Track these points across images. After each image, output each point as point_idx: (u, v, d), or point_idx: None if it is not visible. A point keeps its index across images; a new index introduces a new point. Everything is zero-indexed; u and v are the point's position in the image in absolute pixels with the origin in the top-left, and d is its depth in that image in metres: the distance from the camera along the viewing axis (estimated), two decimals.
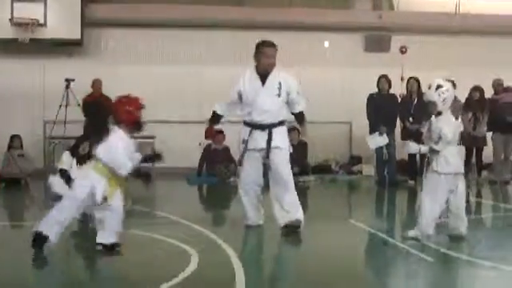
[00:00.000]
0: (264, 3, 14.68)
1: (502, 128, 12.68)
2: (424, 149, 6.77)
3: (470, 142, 12.74)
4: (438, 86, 6.57)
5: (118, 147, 6.09)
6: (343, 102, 14.59)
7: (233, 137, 13.40)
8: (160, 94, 14.27)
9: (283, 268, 6.09)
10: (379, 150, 12.36)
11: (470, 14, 15.10)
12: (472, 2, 15.29)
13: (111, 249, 6.09)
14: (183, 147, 13.96)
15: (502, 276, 5.50)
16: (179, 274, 5.21)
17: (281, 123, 7.39)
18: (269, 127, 7.28)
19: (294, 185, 7.38)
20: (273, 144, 7.24)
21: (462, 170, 6.74)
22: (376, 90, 12.47)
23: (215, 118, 7.89)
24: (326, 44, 15.00)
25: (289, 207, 7.24)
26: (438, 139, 6.52)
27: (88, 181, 6.06)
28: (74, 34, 13.71)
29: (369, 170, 13.82)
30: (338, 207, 10.38)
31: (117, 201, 6.14)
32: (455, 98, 7.10)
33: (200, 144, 13.54)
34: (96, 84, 12.82)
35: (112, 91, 12.75)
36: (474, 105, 12.77)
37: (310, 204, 10.65)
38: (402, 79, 13.47)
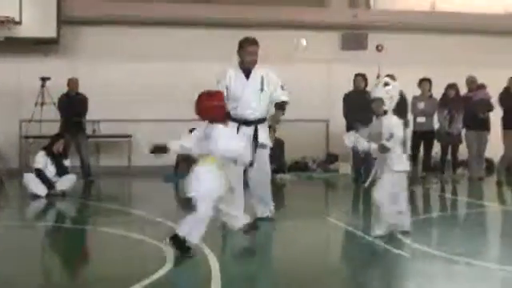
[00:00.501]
0: (240, 1, 14.65)
1: (475, 125, 12.78)
2: (368, 146, 6.88)
3: (446, 139, 12.87)
4: (386, 84, 6.68)
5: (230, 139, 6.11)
6: (320, 100, 14.64)
7: None
8: (137, 92, 14.25)
9: (260, 266, 6.08)
10: (356, 147, 12.37)
11: (445, 12, 15.22)
12: (448, 0, 15.43)
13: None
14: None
15: (476, 271, 5.54)
16: (154, 273, 5.18)
17: (265, 119, 7.69)
18: (254, 123, 7.54)
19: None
20: (259, 141, 7.53)
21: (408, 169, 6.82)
22: (351, 88, 12.53)
23: None
24: (303, 42, 15.02)
25: (267, 203, 7.67)
26: (389, 137, 6.56)
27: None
28: (50, 32, 13.58)
29: (346, 167, 13.86)
30: (314, 205, 10.38)
31: None
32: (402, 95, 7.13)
33: None
34: (72, 83, 12.71)
35: (89, 90, 12.78)
36: (449, 102, 12.87)
37: (287, 202, 10.69)
38: (378, 77, 13.51)
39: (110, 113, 13.89)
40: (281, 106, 7.78)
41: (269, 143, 7.75)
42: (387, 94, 6.63)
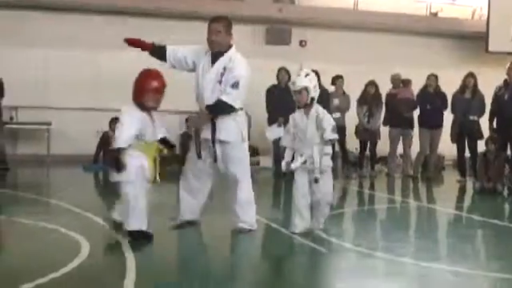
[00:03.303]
0: None
1: (399, 122, 13.04)
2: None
3: (365, 136, 13.11)
4: (307, 74, 6.65)
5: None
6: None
7: None
8: (56, 80, 13.96)
9: (173, 258, 6.05)
10: (277, 141, 12.48)
11: (367, 11, 15.47)
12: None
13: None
14: (80, 134, 13.71)
15: (391, 265, 5.64)
16: (68, 263, 5.09)
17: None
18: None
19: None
20: (217, 136, 6.59)
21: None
22: (275, 82, 12.60)
23: (159, 48, 6.86)
24: None
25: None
26: (333, 130, 6.59)
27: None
28: None
29: (266, 161, 13.92)
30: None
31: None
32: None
33: (97, 132, 13.35)
34: None
35: (4, 75, 12.38)
36: (369, 99, 13.11)
37: None
38: None
39: (29, 99, 13.56)
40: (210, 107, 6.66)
41: (232, 140, 6.64)
42: (311, 83, 6.57)
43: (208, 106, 6.48)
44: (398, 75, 13.38)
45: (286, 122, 12.15)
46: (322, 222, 6.74)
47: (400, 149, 13.43)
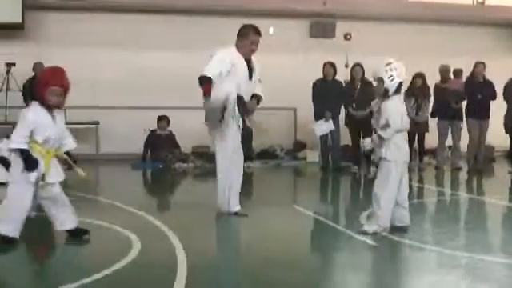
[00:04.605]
0: None
1: (448, 114, 12.86)
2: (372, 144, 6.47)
3: (412, 128, 12.92)
4: (388, 63, 6.33)
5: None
6: (288, 88, 14.61)
7: (176, 122, 13.43)
8: (104, 79, 14.13)
9: (226, 254, 6.08)
10: (324, 135, 12.49)
11: (412, 1, 15.30)
12: None
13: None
14: (128, 133, 13.86)
15: (443, 259, 5.58)
16: (121, 259, 5.16)
17: None
18: None
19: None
20: None
21: (409, 159, 6.56)
22: (320, 76, 12.55)
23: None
24: (271, 30, 14.96)
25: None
26: (385, 126, 6.27)
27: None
28: (15, 17, 13.39)
29: (313, 155, 13.90)
30: (282, 193, 10.42)
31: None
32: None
33: (145, 130, 13.48)
34: (37, 67, 12.51)
35: None
36: (416, 91, 12.95)
37: (255, 190, 10.68)
38: (346, 66, 13.60)
39: (77, 99, 13.71)
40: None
41: None
42: (387, 73, 6.27)
43: (257, 96, 7.56)
44: (447, 66, 13.18)
45: (332, 116, 12.22)
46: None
47: (449, 141, 13.25)
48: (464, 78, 12.89)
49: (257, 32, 7.44)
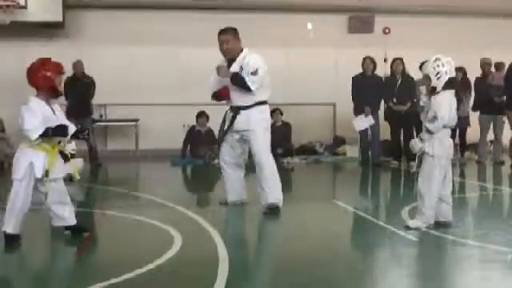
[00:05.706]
0: None
1: (490, 108, 12.67)
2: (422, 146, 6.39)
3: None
4: (436, 59, 6.35)
5: (23, 114, 5.77)
6: (327, 83, 14.57)
7: (216, 119, 13.44)
8: (143, 76, 14.22)
9: (267, 249, 6.08)
10: (363, 131, 12.42)
11: None
12: None
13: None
14: (167, 129, 13.93)
15: (486, 254, 5.52)
16: (163, 255, 5.20)
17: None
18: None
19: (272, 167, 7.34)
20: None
21: (452, 155, 6.53)
22: (359, 71, 12.48)
23: None
24: (309, 26, 14.93)
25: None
26: (433, 119, 6.30)
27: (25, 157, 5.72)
28: (56, 15, 13.51)
29: (353, 151, 13.82)
30: (322, 188, 10.39)
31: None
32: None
33: (184, 126, 13.55)
34: (77, 65, 12.63)
35: (94, 73, 12.73)
36: (457, 85, 12.76)
37: (295, 185, 10.67)
38: (385, 60, 13.49)
39: (116, 97, 13.86)
40: None
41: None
42: (434, 70, 6.32)
43: (234, 73, 7.26)
44: (488, 59, 12.98)
45: (372, 111, 12.15)
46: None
47: (490, 135, 13.07)
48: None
49: (219, 33, 7.48)
